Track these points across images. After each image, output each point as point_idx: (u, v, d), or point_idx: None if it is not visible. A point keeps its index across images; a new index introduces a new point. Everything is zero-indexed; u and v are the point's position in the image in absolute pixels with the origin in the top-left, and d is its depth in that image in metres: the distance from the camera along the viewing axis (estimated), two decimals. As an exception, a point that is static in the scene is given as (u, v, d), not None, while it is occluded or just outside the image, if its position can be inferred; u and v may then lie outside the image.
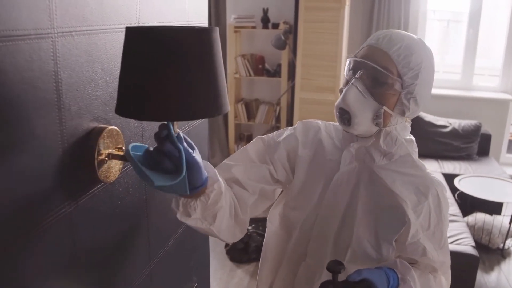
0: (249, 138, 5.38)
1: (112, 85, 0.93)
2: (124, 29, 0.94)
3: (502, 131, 5.08)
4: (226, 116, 5.17)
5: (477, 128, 4.73)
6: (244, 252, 3.58)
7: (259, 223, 3.69)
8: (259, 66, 5.08)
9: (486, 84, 5.34)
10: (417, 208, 1.17)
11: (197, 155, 0.93)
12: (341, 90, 1.18)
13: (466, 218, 3.77)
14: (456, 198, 3.86)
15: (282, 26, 4.76)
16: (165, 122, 0.85)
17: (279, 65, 4.98)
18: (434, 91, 4.98)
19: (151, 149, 0.86)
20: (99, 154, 0.88)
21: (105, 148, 0.90)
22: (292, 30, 4.76)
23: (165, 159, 0.85)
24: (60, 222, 0.81)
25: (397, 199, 1.16)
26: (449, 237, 2.96)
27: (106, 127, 0.90)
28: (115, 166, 0.95)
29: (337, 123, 1.21)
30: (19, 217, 0.72)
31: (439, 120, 4.84)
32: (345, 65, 1.21)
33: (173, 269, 1.35)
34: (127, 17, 0.96)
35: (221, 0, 5.01)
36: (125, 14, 0.96)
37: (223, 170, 1.23)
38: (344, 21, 4.09)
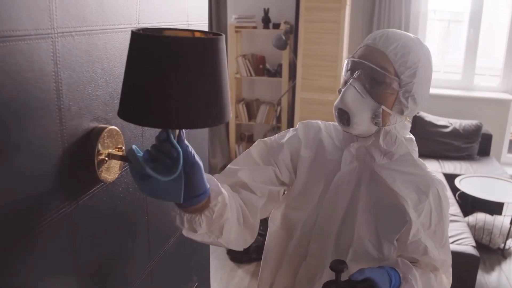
0: (250, 138, 5.38)
1: (112, 85, 0.93)
2: (124, 30, 0.95)
3: (503, 131, 5.08)
4: (227, 116, 5.16)
5: (478, 128, 4.73)
6: (244, 252, 3.58)
7: (260, 223, 3.68)
8: (260, 66, 5.09)
9: (487, 84, 5.33)
10: (418, 207, 1.17)
11: (199, 161, 0.91)
12: (339, 91, 1.19)
13: (466, 218, 3.77)
14: (457, 198, 3.86)
15: (283, 26, 4.76)
16: None
17: (280, 65, 4.98)
18: (435, 91, 5.00)
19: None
20: (99, 154, 0.89)
21: (105, 148, 0.91)
22: (293, 30, 4.76)
23: (163, 156, 0.84)
24: (60, 222, 0.81)
25: (398, 198, 1.17)
26: (449, 237, 2.95)
27: (106, 127, 0.91)
28: (115, 166, 0.95)
29: (337, 123, 1.22)
30: (19, 217, 0.72)
31: (440, 120, 4.84)
32: (343, 65, 1.21)
33: (173, 269, 1.36)
34: (127, 17, 0.97)
35: (222, 0, 5.02)
36: (125, 14, 0.96)
37: (228, 175, 1.22)
38: (345, 21, 4.09)
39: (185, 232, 1.01)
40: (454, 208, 3.52)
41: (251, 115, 5.26)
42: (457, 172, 4.38)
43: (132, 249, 1.10)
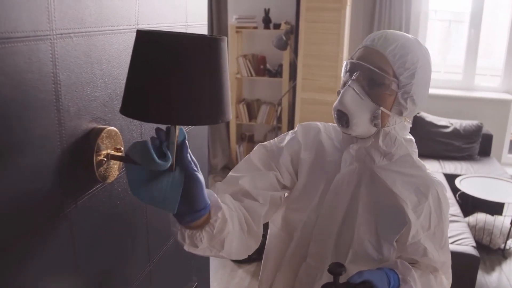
0: (250, 139, 5.39)
1: (111, 86, 0.94)
2: (123, 31, 0.95)
3: (503, 131, 5.08)
4: (227, 117, 5.16)
5: (479, 128, 4.73)
6: (245, 252, 3.59)
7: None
8: (261, 67, 5.09)
9: (488, 84, 5.33)
10: (417, 208, 1.17)
11: (200, 175, 0.90)
12: (338, 92, 1.19)
13: (467, 219, 3.77)
14: (457, 198, 3.86)
15: (283, 27, 4.77)
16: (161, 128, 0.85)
17: (281, 66, 4.98)
18: (436, 91, 5.00)
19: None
20: (98, 154, 0.89)
21: (104, 149, 0.91)
22: (294, 31, 4.76)
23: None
24: (59, 222, 0.82)
25: (397, 200, 1.17)
26: (449, 237, 2.96)
27: (105, 128, 0.91)
28: (114, 167, 0.95)
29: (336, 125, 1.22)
30: (18, 217, 0.72)
31: (440, 120, 4.84)
32: (342, 67, 1.22)
33: (173, 269, 1.36)
34: (126, 19, 0.97)
35: (223, 1, 5.02)
36: (124, 16, 0.97)
37: (230, 183, 1.22)
38: (345, 21, 4.09)
39: (186, 247, 1.01)
40: (454, 208, 3.52)
41: (252, 115, 5.27)
42: (457, 172, 4.38)
43: (131, 249, 1.11)
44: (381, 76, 1.12)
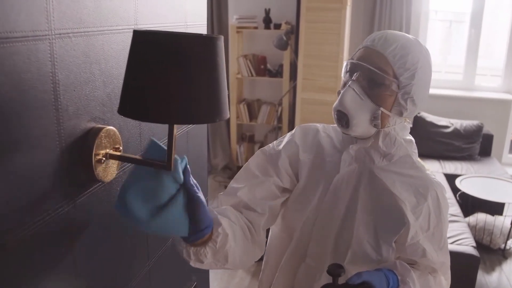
0: (251, 139, 5.39)
1: (109, 86, 0.94)
2: (122, 31, 0.96)
3: (504, 132, 5.08)
4: (228, 117, 5.17)
5: (479, 128, 4.73)
6: (245, 252, 3.59)
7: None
8: (261, 67, 5.09)
9: (488, 84, 5.33)
10: (416, 209, 1.17)
11: (201, 195, 0.93)
12: (338, 92, 1.19)
13: (467, 219, 3.77)
14: (458, 198, 3.86)
15: (284, 27, 4.77)
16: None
17: (281, 66, 4.98)
18: (436, 91, 5.00)
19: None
20: (97, 154, 0.89)
21: (103, 148, 0.91)
22: (294, 31, 4.77)
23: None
24: (57, 221, 0.82)
25: (396, 200, 1.17)
26: (449, 237, 2.97)
27: (103, 127, 0.91)
28: (113, 166, 0.96)
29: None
30: (17, 216, 0.73)
31: (441, 121, 4.84)
32: (342, 67, 1.22)
33: (172, 269, 1.36)
34: (124, 19, 0.97)
35: (223, 1, 5.03)
36: (123, 16, 0.97)
37: (229, 195, 1.24)
38: (346, 21, 4.09)
39: (192, 263, 1.04)
40: (454, 208, 3.52)
41: (252, 116, 5.27)
42: (458, 172, 4.39)
43: (130, 248, 1.11)
44: (381, 76, 1.12)
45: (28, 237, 0.76)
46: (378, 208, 1.19)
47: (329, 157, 1.27)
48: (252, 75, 5.09)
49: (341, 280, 1.05)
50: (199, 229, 0.95)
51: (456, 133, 4.73)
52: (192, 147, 1.43)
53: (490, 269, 3.54)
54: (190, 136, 1.40)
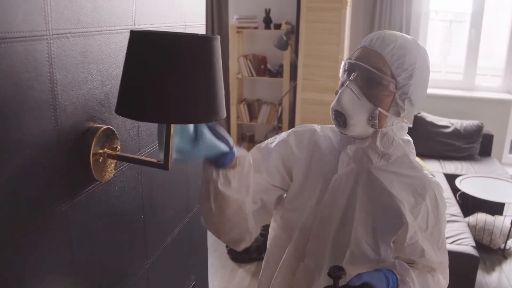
0: (251, 139, 5.39)
1: (107, 85, 0.95)
2: (120, 31, 0.96)
3: (504, 132, 5.07)
4: (228, 117, 5.18)
5: (479, 128, 4.72)
6: (245, 251, 3.60)
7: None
8: (261, 67, 5.09)
9: (488, 84, 5.33)
10: (414, 209, 1.17)
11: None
12: (336, 92, 1.19)
13: (467, 219, 3.77)
14: (458, 198, 3.86)
15: (284, 27, 4.77)
16: None
17: (281, 66, 4.99)
18: (436, 91, 5.00)
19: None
20: (95, 153, 0.90)
21: (101, 148, 0.92)
22: (294, 31, 4.77)
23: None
24: (55, 221, 0.83)
25: (394, 200, 1.17)
26: (449, 237, 2.97)
27: (101, 127, 0.92)
28: (111, 165, 0.96)
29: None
30: (14, 216, 0.73)
31: (441, 121, 4.84)
32: (340, 67, 1.22)
33: (171, 268, 1.37)
34: (122, 19, 0.98)
35: (223, 1, 5.03)
36: (121, 16, 0.97)
37: None
38: (346, 21, 4.09)
39: (220, 185, 1.06)
40: (454, 208, 3.52)
41: (253, 116, 5.28)
42: (458, 172, 4.38)
43: (128, 248, 1.11)
44: (379, 76, 1.12)
45: (26, 237, 0.76)
46: (377, 208, 1.19)
47: (327, 157, 1.27)
48: (252, 75, 5.10)
49: (341, 282, 1.06)
50: (230, 146, 1.01)
51: (456, 133, 4.73)
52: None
53: (490, 269, 3.54)
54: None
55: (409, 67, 1.13)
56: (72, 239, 0.88)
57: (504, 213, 3.86)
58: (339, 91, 1.17)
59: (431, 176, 1.25)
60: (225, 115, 0.85)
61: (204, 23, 1.43)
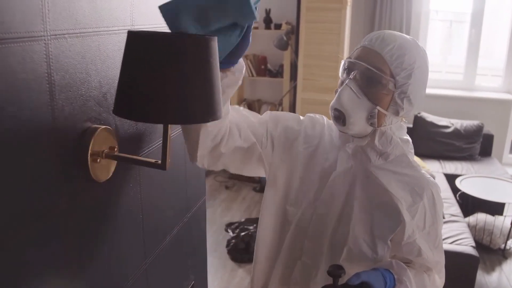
0: (251, 138, 5.39)
1: (105, 86, 0.95)
2: (118, 32, 0.96)
3: (504, 132, 5.07)
4: (228, 117, 5.18)
5: (479, 128, 4.73)
6: (245, 251, 3.60)
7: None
8: (262, 67, 5.10)
9: (489, 84, 5.33)
10: (412, 208, 1.18)
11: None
12: (336, 91, 1.20)
13: (467, 219, 3.77)
14: (458, 198, 3.86)
15: (284, 27, 4.78)
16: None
17: (281, 66, 4.99)
18: (437, 91, 5.01)
19: None
20: (93, 153, 0.90)
21: (99, 148, 0.92)
22: (294, 31, 4.77)
23: None
24: (53, 221, 0.83)
25: (392, 199, 1.18)
26: (449, 237, 2.97)
27: (99, 127, 0.92)
28: (109, 166, 0.96)
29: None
30: (12, 216, 0.73)
31: (441, 121, 4.84)
32: (340, 66, 1.23)
33: (169, 267, 1.37)
34: (121, 19, 0.98)
35: (224, 1, 5.03)
36: (119, 16, 0.98)
37: (235, 110, 1.27)
38: (346, 21, 4.10)
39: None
40: (454, 208, 3.52)
41: (253, 116, 5.27)
42: (458, 172, 4.38)
43: (126, 247, 1.11)
44: (378, 75, 1.13)
45: (24, 237, 0.76)
46: (374, 206, 1.20)
47: (327, 153, 1.28)
48: (252, 75, 5.10)
49: (340, 281, 1.07)
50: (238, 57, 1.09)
51: (456, 133, 4.73)
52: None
53: (490, 269, 3.54)
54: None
55: (408, 67, 1.14)
56: (70, 239, 0.88)
57: (504, 213, 3.85)
58: (339, 90, 1.18)
59: (429, 176, 1.25)
60: (222, 115, 0.85)
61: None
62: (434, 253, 1.23)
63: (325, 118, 1.36)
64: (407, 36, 1.19)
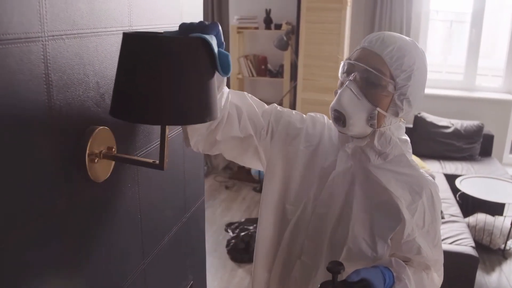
0: (251, 139, 5.39)
1: (103, 86, 0.95)
2: (116, 32, 0.96)
3: (504, 132, 5.07)
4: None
5: (480, 128, 4.72)
6: (245, 252, 3.60)
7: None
8: (262, 67, 5.10)
9: (489, 84, 5.33)
10: (411, 206, 1.19)
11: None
12: (335, 92, 1.20)
13: (467, 219, 3.77)
14: (458, 198, 3.86)
15: (284, 27, 4.78)
16: None
17: (282, 66, 5.00)
18: (437, 91, 5.01)
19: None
20: (90, 154, 0.90)
21: (97, 148, 0.92)
22: (294, 31, 4.78)
23: None
24: (52, 221, 0.83)
25: (392, 197, 1.18)
26: (449, 237, 2.97)
27: (97, 127, 0.92)
28: (106, 166, 0.97)
29: None
30: (11, 216, 0.74)
31: (441, 121, 4.84)
32: (340, 67, 1.23)
33: (168, 267, 1.37)
34: (119, 20, 0.98)
35: (224, 1, 5.04)
36: (117, 17, 0.98)
37: (239, 96, 1.30)
38: (346, 21, 4.10)
39: None
40: (454, 208, 3.52)
41: (253, 116, 5.27)
42: (458, 172, 4.38)
43: (125, 247, 1.12)
44: (378, 77, 1.13)
45: (23, 237, 0.76)
46: (374, 205, 1.21)
47: (327, 153, 1.29)
48: (252, 75, 5.11)
49: (339, 278, 1.07)
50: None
51: (456, 134, 4.73)
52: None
53: (490, 269, 3.54)
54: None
55: (408, 69, 1.14)
56: (68, 239, 0.89)
57: (504, 214, 3.85)
58: (339, 91, 1.18)
59: (428, 175, 1.26)
60: (218, 115, 0.85)
61: (202, 24, 1.43)
62: (433, 251, 1.24)
63: (325, 117, 1.37)
64: (406, 38, 1.20)
